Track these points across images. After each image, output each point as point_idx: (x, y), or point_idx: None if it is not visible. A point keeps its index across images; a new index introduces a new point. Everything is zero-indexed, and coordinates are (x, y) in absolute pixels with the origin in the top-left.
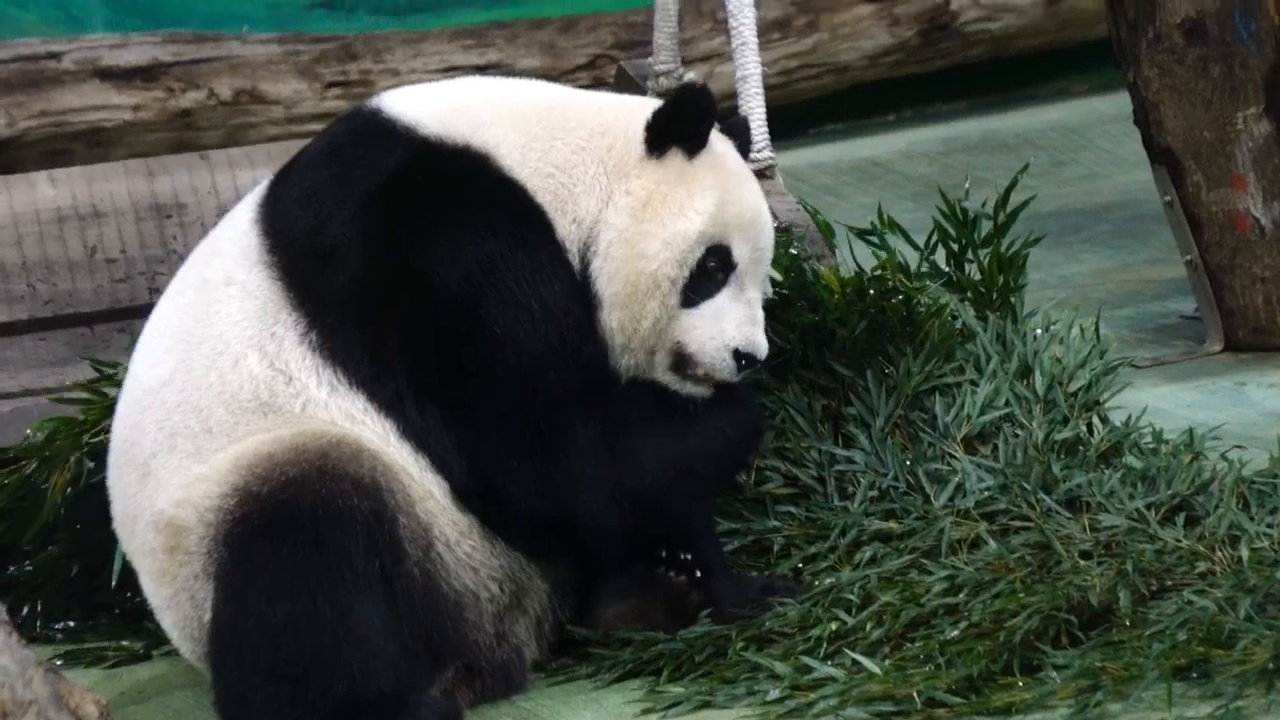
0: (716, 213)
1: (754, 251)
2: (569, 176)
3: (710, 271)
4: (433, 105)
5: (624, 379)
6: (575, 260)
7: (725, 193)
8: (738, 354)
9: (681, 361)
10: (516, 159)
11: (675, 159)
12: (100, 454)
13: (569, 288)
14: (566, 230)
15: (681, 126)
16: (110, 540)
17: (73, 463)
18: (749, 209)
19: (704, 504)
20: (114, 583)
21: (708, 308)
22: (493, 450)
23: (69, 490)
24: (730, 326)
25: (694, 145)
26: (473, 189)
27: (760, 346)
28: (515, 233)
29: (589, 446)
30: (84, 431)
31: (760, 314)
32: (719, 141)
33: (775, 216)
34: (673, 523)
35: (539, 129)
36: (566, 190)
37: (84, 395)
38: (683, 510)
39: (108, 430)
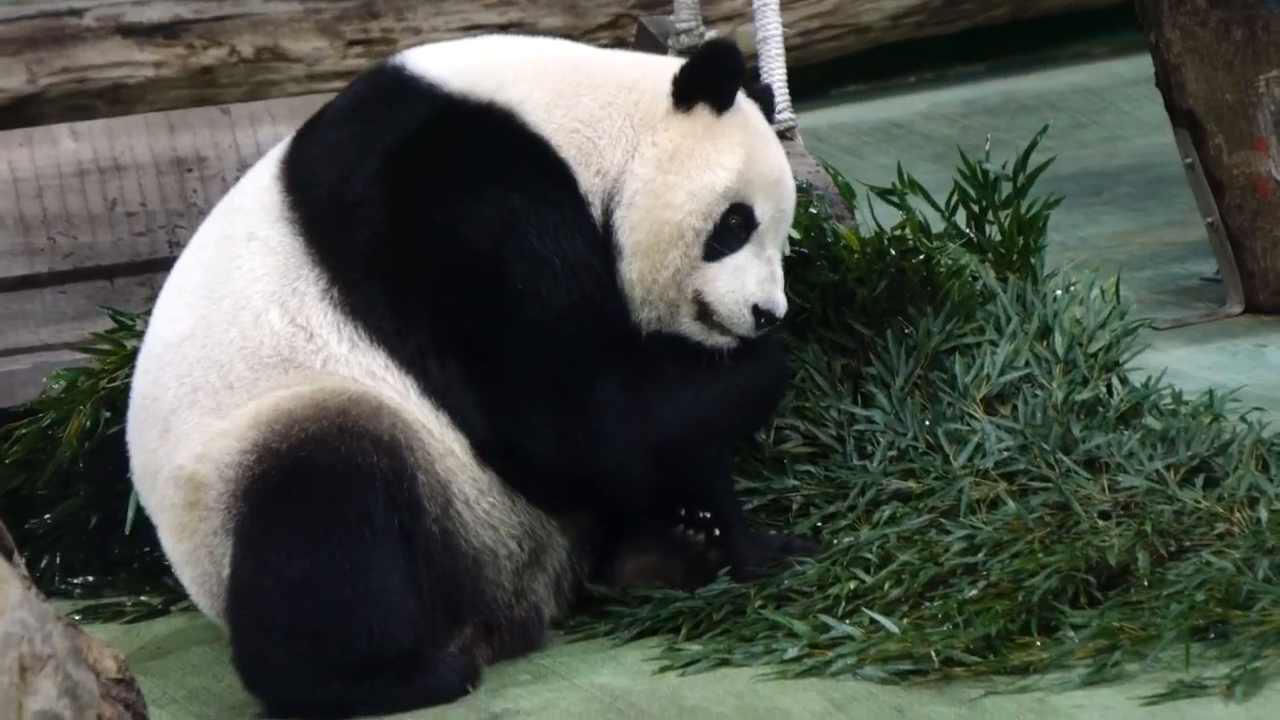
0: (743, 169)
1: (776, 211)
2: (594, 130)
3: (733, 228)
4: (457, 63)
5: (645, 333)
6: (598, 212)
7: (752, 151)
8: (757, 310)
9: (705, 311)
10: (541, 115)
11: (703, 115)
12: (116, 402)
13: (591, 242)
14: (590, 182)
15: (710, 81)
16: (127, 495)
17: (88, 410)
18: (774, 170)
19: (725, 455)
20: (128, 532)
21: (729, 262)
22: (514, 406)
23: (86, 442)
24: (751, 282)
25: (722, 101)
26: (496, 145)
27: (779, 304)
28: (538, 188)
29: (609, 401)
30: (100, 380)
31: (780, 273)
32: (745, 103)
33: (795, 176)
34: (694, 475)
35: (564, 85)
36: (591, 144)
37: (102, 346)
38: (704, 461)
39: (124, 379)
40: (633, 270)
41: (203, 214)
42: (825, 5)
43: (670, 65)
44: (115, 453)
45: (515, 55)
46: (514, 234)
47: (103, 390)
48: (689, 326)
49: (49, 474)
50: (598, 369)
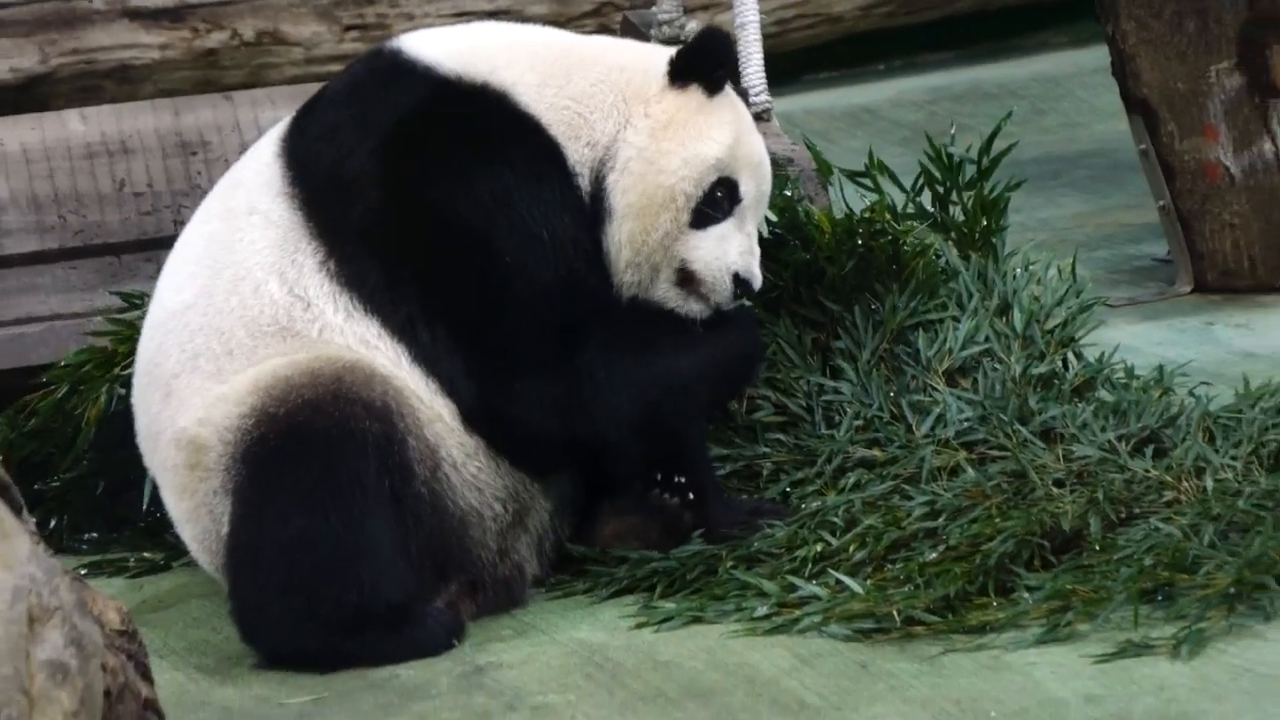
0: (733, 145)
1: (758, 191)
2: (585, 106)
3: (718, 201)
4: (452, 46)
5: (625, 298)
6: (586, 183)
7: (740, 133)
8: (737, 279)
9: (686, 278)
10: (533, 95)
11: (696, 93)
12: (129, 383)
13: (577, 217)
14: (580, 154)
15: (706, 64)
16: (134, 460)
17: (103, 391)
18: (757, 152)
19: (702, 423)
20: (145, 504)
21: (714, 231)
22: (500, 374)
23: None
24: (733, 251)
25: (715, 84)
26: (489, 124)
27: (756, 276)
28: (529, 166)
29: (591, 370)
30: (114, 361)
31: (758, 248)
32: (732, 92)
33: (774, 153)
34: (672, 441)
35: (555, 68)
36: (582, 119)
37: (114, 328)
38: (682, 429)
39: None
40: (623, 231)
41: (206, 194)
42: None
43: (658, 50)
44: (122, 422)
45: (508, 40)
46: (505, 210)
47: (116, 372)
48: (667, 292)
49: (68, 455)
50: (581, 339)
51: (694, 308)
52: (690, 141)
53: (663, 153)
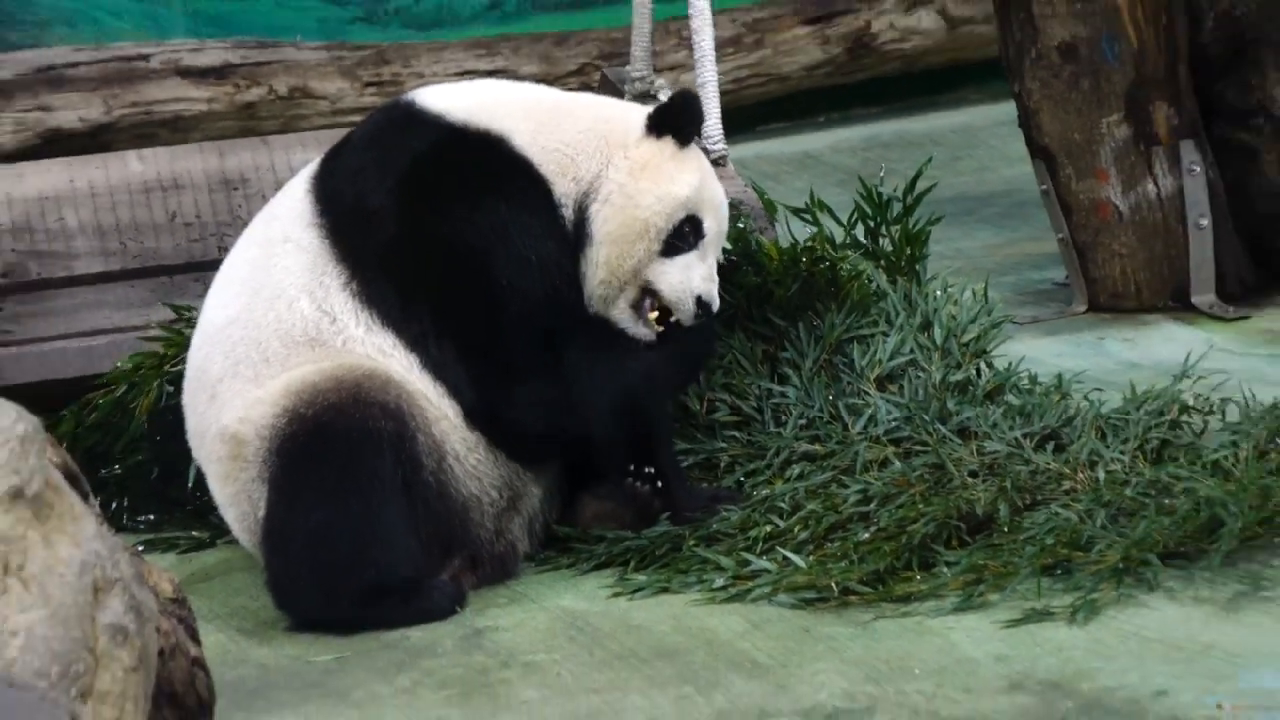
0: (699, 189)
1: (718, 228)
2: (573, 149)
3: (685, 234)
4: (458, 100)
5: (591, 312)
6: (571, 213)
7: (704, 178)
8: (699, 300)
9: (641, 302)
10: (527, 140)
11: (669, 144)
12: (177, 382)
13: (561, 244)
14: (566, 189)
15: (680, 120)
16: (183, 450)
17: (155, 388)
18: (719, 196)
19: (668, 421)
20: (190, 486)
21: (680, 260)
22: (497, 379)
23: (151, 412)
24: (696, 278)
25: (685, 137)
26: (490, 165)
27: (715, 299)
28: (523, 200)
29: (571, 374)
30: (164, 363)
31: (716, 277)
32: (697, 146)
33: (729, 194)
34: (644, 429)
35: (547, 118)
36: (569, 159)
37: (165, 334)
38: (652, 414)
39: (184, 362)
40: (601, 255)
41: (246, 225)
42: (752, 58)
43: (635, 107)
44: (173, 419)
45: (507, 94)
46: (503, 239)
47: (166, 371)
48: (622, 313)
49: (124, 442)
50: (564, 348)
51: (641, 331)
52: (663, 182)
53: (640, 190)
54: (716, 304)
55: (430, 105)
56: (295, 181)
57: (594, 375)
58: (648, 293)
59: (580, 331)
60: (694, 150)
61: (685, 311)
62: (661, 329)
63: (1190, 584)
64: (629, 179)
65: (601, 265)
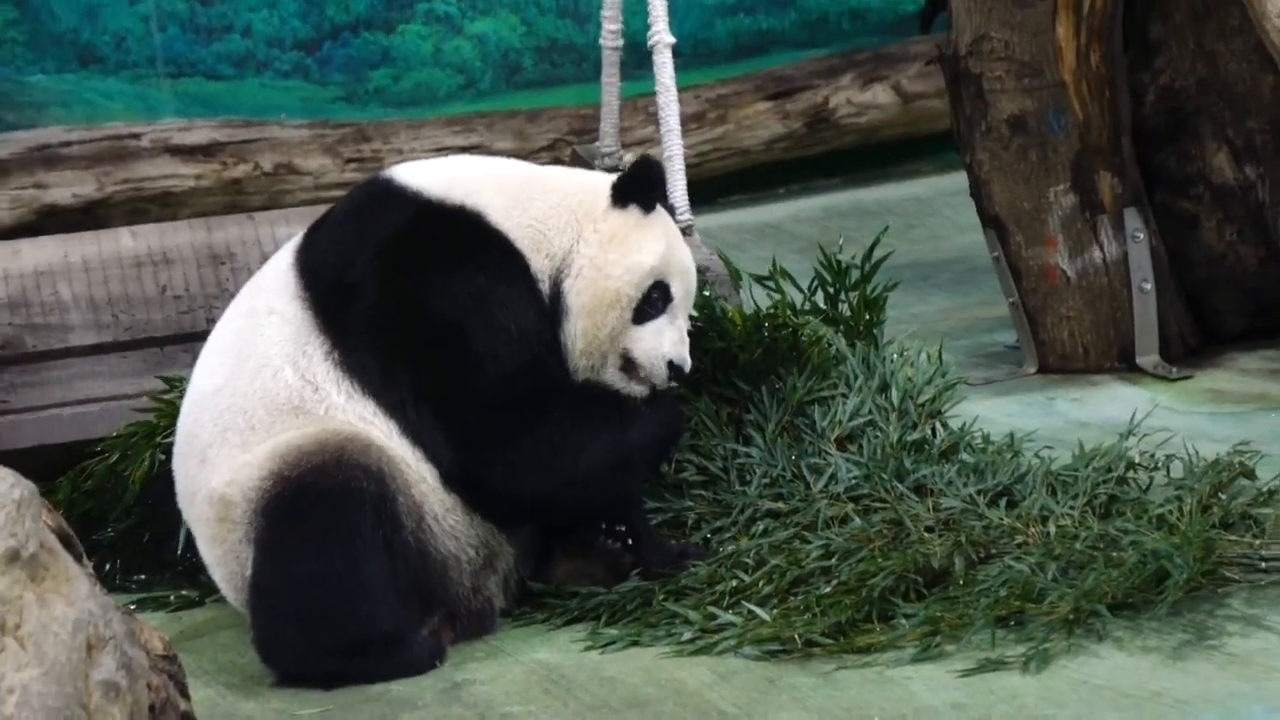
0: (665, 254)
1: (686, 291)
2: (545, 225)
3: (654, 300)
4: (435, 175)
5: (579, 380)
6: (546, 287)
7: (670, 244)
8: (671, 364)
9: (629, 365)
10: (502, 215)
11: (634, 212)
12: (169, 450)
13: (539, 313)
14: (540, 264)
15: (642, 188)
16: (174, 514)
17: (148, 457)
18: (685, 259)
19: (637, 486)
20: (180, 549)
21: (651, 326)
22: (473, 444)
23: (144, 478)
24: (667, 343)
25: (649, 203)
26: (466, 238)
27: (687, 361)
28: (498, 272)
29: (549, 441)
30: (156, 433)
31: (687, 338)
32: (663, 210)
33: (695, 261)
34: (613, 501)
35: (520, 193)
36: (542, 235)
37: (157, 405)
38: (623, 490)
39: (175, 431)
40: (577, 327)
41: (233, 297)
42: (716, 133)
43: (602, 177)
44: (165, 485)
45: (481, 170)
46: (480, 309)
47: (159, 441)
48: (613, 376)
49: (119, 509)
50: (540, 415)
51: (634, 389)
52: (631, 253)
53: (609, 262)
54: (688, 365)
55: (408, 181)
56: (280, 255)
57: (568, 450)
58: (625, 359)
59: (557, 402)
60: (659, 215)
61: (659, 375)
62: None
63: (1138, 634)
64: (599, 252)
65: (580, 337)
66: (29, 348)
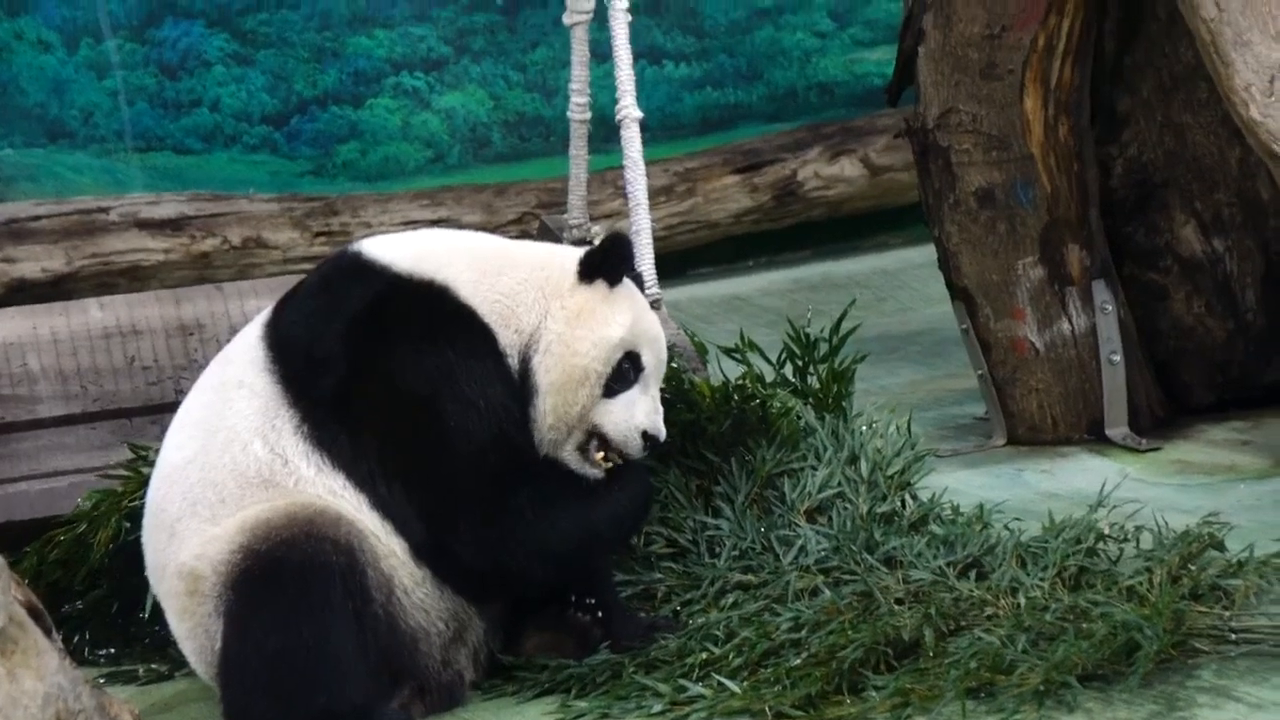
0: (633, 326)
1: (657, 360)
2: (513, 300)
3: (625, 372)
4: (403, 249)
5: (543, 455)
6: (515, 363)
7: (638, 315)
8: (645, 435)
9: (588, 444)
10: (470, 290)
11: (600, 287)
12: (135, 517)
13: (508, 388)
14: (509, 340)
15: (608, 263)
16: (142, 586)
17: (114, 523)
18: (654, 328)
19: (606, 560)
20: (146, 616)
21: (622, 398)
22: (442, 518)
23: (111, 546)
24: (640, 414)
25: (615, 277)
26: (435, 313)
27: (661, 431)
28: (467, 346)
29: (518, 516)
30: (123, 499)
31: (660, 407)
32: (629, 281)
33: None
34: (582, 574)
35: (488, 266)
36: (510, 310)
37: (123, 473)
38: (592, 564)
39: (141, 499)
40: (547, 403)
41: (202, 368)
42: (684, 206)
43: (569, 251)
44: (132, 554)
45: (449, 244)
46: (448, 383)
47: (125, 507)
48: (570, 455)
49: (84, 574)
50: (509, 490)
51: (590, 471)
52: (598, 327)
53: (576, 338)
54: (663, 434)
55: (377, 255)
56: (249, 328)
57: (538, 525)
58: (594, 434)
59: (526, 477)
60: (626, 288)
61: (633, 448)
62: (610, 466)
63: (1109, 704)
64: (566, 328)
65: (549, 413)
66: None
